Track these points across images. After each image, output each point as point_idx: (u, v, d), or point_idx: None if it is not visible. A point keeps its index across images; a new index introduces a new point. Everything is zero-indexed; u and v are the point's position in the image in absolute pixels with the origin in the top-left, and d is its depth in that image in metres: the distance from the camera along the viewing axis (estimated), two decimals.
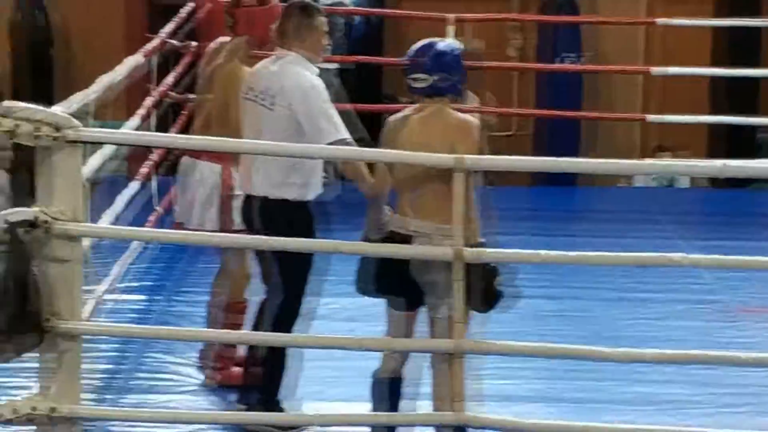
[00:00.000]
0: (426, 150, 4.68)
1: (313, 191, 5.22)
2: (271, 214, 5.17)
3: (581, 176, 9.47)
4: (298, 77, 5.12)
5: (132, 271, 6.95)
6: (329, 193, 5.38)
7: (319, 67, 5.27)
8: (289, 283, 5.21)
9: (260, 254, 5.39)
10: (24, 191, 4.81)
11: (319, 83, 5.15)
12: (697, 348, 5.14)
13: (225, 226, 5.70)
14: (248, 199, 5.31)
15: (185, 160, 5.93)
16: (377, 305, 5.03)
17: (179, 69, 7.99)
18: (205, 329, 5.86)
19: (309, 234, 5.13)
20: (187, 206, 5.88)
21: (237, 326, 5.70)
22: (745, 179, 9.40)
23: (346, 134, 5.05)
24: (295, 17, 5.23)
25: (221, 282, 5.94)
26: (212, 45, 6.10)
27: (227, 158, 5.66)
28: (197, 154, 5.80)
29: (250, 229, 5.33)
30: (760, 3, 10.44)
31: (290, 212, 5.17)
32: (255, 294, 5.65)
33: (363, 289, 4.95)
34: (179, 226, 5.89)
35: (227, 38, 5.94)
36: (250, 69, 5.46)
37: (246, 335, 5.53)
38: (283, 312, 5.22)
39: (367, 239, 4.92)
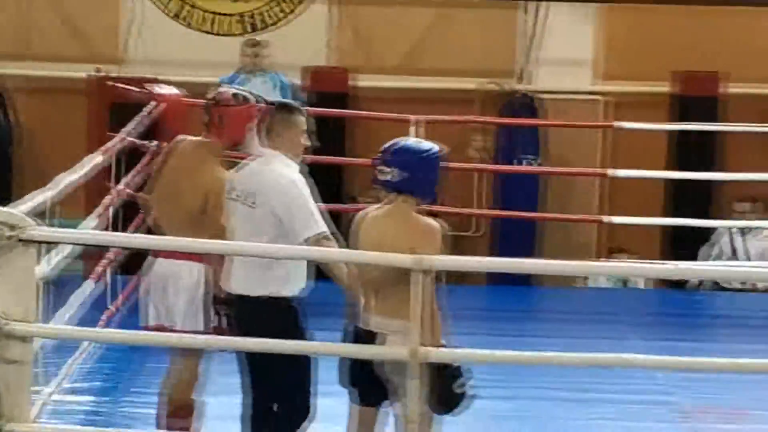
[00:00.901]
0: (390, 250, 4.68)
1: (294, 286, 5.13)
2: (251, 312, 5.11)
3: (536, 276, 9.52)
4: (278, 174, 5.13)
5: (81, 371, 6.83)
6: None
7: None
8: (280, 390, 5.12)
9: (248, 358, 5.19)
10: None
11: (299, 178, 5.13)
12: None
13: (209, 327, 5.58)
14: (229, 297, 5.26)
15: (161, 260, 5.75)
16: (338, 405, 4.99)
17: (139, 168, 7.98)
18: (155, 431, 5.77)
19: (296, 333, 5.04)
20: (169, 308, 5.71)
21: (186, 429, 5.61)
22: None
23: (324, 227, 5.02)
24: (275, 116, 5.28)
25: (170, 383, 5.82)
26: (173, 143, 6.07)
27: (210, 258, 5.55)
28: (175, 254, 5.65)
29: (231, 329, 5.26)
30: (715, 107, 10.61)
31: (276, 309, 5.09)
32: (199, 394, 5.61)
33: (350, 381, 4.90)
34: (158, 328, 5.69)
35: (187, 136, 5.95)
36: (231, 170, 5.43)
37: None
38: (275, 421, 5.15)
39: (347, 333, 4.91)
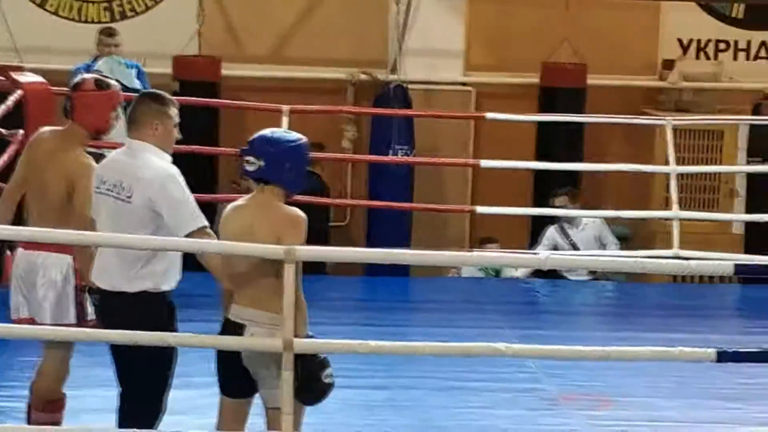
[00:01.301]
0: (254, 241, 4.73)
1: (172, 280, 5.08)
2: (128, 308, 5.02)
3: (412, 266, 9.56)
4: (155, 167, 5.03)
5: None
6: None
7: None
8: (145, 383, 5.07)
9: (114, 352, 5.14)
10: None
11: (176, 171, 5.06)
12: None
13: (81, 320, 5.54)
14: (103, 293, 5.13)
15: (23, 252, 5.66)
16: (205, 397, 4.99)
17: (5, 158, 7.81)
18: (26, 426, 5.65)
19: (169, 328, 5.01)
20: (38, 300, 5.63)
21: (56, 423, 5.55)
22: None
23: (204, 222, 4.98)
24: (146, 106, 5.16)
25: (42, 376, 5.74)
26: (34, 133, 5.95)
27: (76, 249, 5.48)
28: (39, 245, 5.55)
29: (103, 323, 5.12)
30: (583, 98, 10.80)
31: (147, 305, 5.02)
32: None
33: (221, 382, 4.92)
34: (27, 321, 5.61)
35: (49, 126, 5.86)
36: (96, 160, 5.39)
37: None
38: (140, 412, 5.07)
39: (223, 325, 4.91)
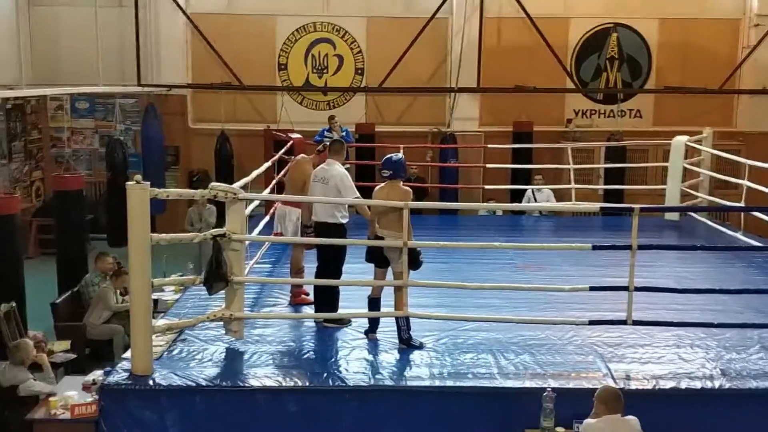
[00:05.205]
0: (390, 200, 4.65)
1: (346, 218, 5.09)
2: (328, 229, 5.04)
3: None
4: (338, 170, 5.06)
5: (264, 254, 6.47)
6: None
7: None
8: (333, 261, 5.05)
9: (319, 248, 5.16)
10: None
11: (346, 172, 5.11)
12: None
13: (303, 236, 5.47)
14: (317, 223, 5.17)
15: (280, 207, 5.72)
16: (369, 267, 4.96)
17: (285, 169, 7.78)
18: (289, 278, 5.65)
19: (345, 236, 5.03)
20: (287, 227, 5.66)
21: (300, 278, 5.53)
22: None
23: (357, 193, 5.03)
24: (337, 145, 5.22)
25: (293, 259, 5.70)
26: (297, 157, 5.99)
27: (302, 206, 5.46)
28: (289, 204, 5.60)
29: (317, 235, 5.13)
30: (531, 139, 10.19)
31: (337, 228, 5.03)
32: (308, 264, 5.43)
33: (367, 259, 4.88)
34: (281, 234, 5.67)
35: (304, 155, 5.86)
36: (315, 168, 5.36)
37: (307, 281, 5.38)
38: (331, 274, 5.05)
39: (368, 237, 4.85)
